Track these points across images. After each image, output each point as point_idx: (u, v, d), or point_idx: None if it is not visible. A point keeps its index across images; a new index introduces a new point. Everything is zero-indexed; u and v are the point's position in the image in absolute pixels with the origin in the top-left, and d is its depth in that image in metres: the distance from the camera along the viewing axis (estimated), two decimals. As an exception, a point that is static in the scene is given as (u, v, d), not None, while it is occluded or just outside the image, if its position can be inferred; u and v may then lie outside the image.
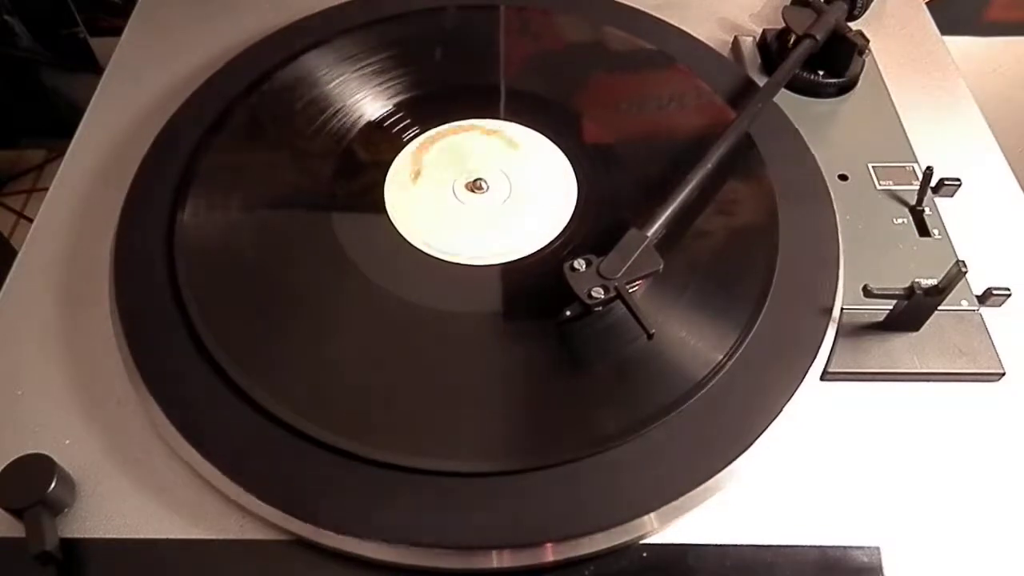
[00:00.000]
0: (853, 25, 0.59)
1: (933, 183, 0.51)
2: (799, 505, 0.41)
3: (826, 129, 0.57)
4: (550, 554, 0.38)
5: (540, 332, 0.45)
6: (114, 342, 0.45)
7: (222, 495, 0.40)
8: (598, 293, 0.43)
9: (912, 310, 0.45)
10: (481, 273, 0.48)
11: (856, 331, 0.46)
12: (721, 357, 0.43)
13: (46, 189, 0.54)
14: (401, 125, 0.55)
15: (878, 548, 0.39)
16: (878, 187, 0.53)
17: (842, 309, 0.47)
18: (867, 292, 0.45)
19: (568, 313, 0.44)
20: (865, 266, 0.48)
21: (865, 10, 0.62)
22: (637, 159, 0.54)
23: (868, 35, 0.57)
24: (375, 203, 0.51)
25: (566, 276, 0.43)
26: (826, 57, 0.58)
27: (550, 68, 0.59)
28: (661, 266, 0.44)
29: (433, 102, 0.56)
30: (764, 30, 0.62)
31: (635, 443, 0.40)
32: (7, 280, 0.49)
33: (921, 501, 0.41)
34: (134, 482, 0.41)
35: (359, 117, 0.55)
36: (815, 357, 0.44)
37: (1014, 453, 0.43)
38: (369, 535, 0.38)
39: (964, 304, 0.47)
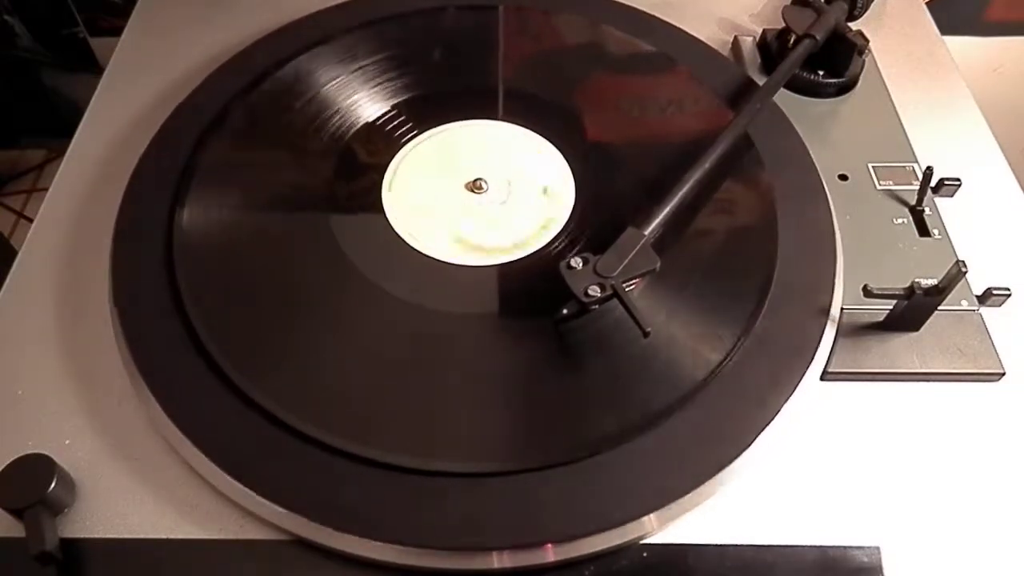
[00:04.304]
0: (853, 25, 0.59)
1: (933, 183, 0.51)
2: (799, 505, 0.41)
3: (826, 129, 0.57)
4: (550, 554, 0.38)
5: (539, 332, 0.45)
6: (114, 342, 0.45)
7: (222, 495, 0.40)
8: (594, 291, 0.43)
9: (912, 310, 0.45)
10: (480, 273, 0.48)
11: (856, 331, 0.46)
12: (721, 357, 0.43)
13: (46, 189, 0.54)
14: (399, 125, 0.55)
15: (878, 548, 0.39)
16: (878, 187, 0.53)
17: (842, 309, 0.47)
18: (867, 292, 0.45)
19: (565, 312, 0.44)
20: (865, 266, 0.48)
21: (865, 10, 0.62)
22: (636, 159, 0.54)
23: (868, 35, 0.57)
24: (373, 203, 0.51)
25: (563, 274, 0.43)
26: (826, 57, 0.58)
27: (549, 68, 0.59)
28: (658, 265, 0.44)
29: (432, 102, 0.56)
30: (764, 30, 0.62)
31: (635, 443, 0.40)
32: (7, 280, 0.49)
33: (921, 501, 0.41)
34: (134, 482, 0.41)
35: (358, 117, 0.55)
36: (815, 357, 0.44)
37: (1014, 453, 0.43)
38: (369, 535, 0.38)
39: (964, 304, 0.47)
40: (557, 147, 0.54)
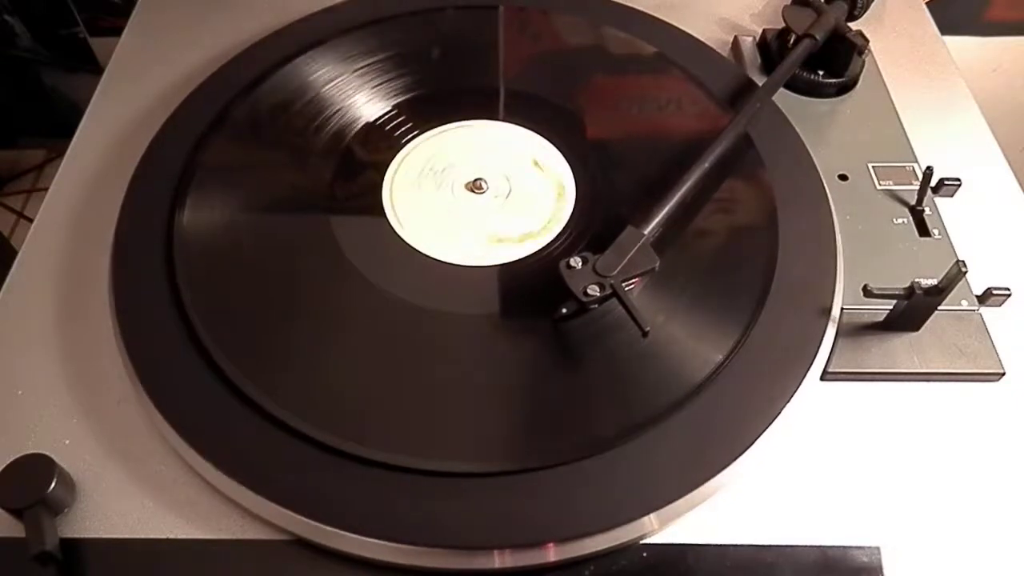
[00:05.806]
0: (853, 25, 0.59)
1: (933, 183, 0.51)
2: (799, 505, 0.41)
3: (826, 129, 0.57)
4: (551, 554, 0.38)
5: (540, 333, 0.45)
6: (114, 342, 0.45)
7: (222, 495, 0.40)
8: (594, 291, 0.43)
9: (912, 310, 0.45)
10: (480, 274, 0.48)
11: (856, 331, 0.46)
12: (721, 357, 0.43)
13: (46, 189, 0.54)
14: (400, 125, 0.55)
15: (878, 548, 0.39)
16: (878, 187, 0.53)
17: (842, 309, 0.47)
18: (867, 292, 0.45)
19: (564, 311, 0.44)
20: (865, 266, 0.48)
21: (865, 10, 0.62)
22: (636, 159, 0.54)
23: (868, 35, 0.57)
24: (374, 204, 0.51)
25: (562, 273, 0.43)
26: (826, 57, 0.58)
27: (549, 68, 0.59)
28: (657, 264, 0.44)
29: (432, 103, 0.56)
30: (764, 30, 0.62)
31: (635, 443, 0.40)
32: (7, 280, 0.49)
33: (921, 501, 0.41)
34: (134, 482, 0.41)
35: (358, 118, 0.55)
36: (815, 357, 0.44)
37: (1014, 453, 0.43)
38: (369, 535, 0.38)
39: (964, 304, 0.47)
40: (557, 147, 0.54)
